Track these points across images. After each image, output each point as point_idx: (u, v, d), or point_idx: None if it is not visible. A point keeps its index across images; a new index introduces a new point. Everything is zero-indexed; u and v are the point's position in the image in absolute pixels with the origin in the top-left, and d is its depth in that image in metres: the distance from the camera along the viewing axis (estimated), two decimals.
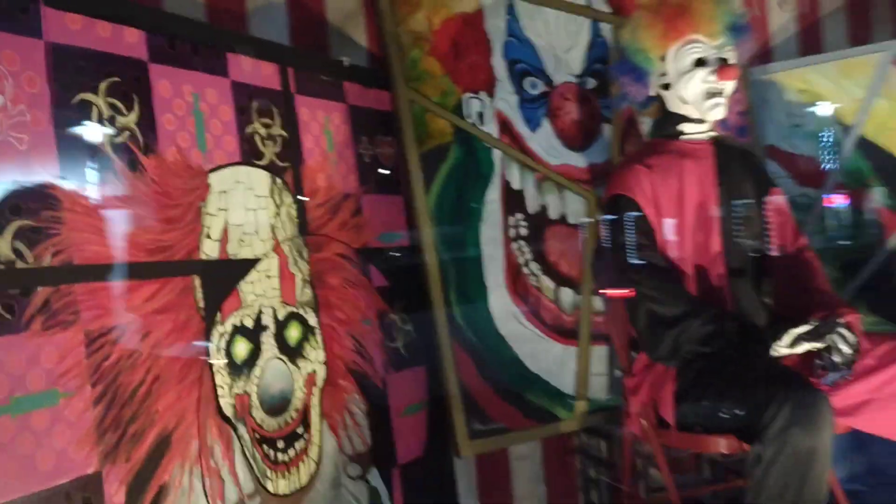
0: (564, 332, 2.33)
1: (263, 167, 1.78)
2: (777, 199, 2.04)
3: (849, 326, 1.71)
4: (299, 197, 1.86)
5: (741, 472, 2.34)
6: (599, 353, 2.38)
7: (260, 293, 1.73)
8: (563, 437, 2.44)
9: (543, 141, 2.38)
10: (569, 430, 2.33)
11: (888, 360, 1.75)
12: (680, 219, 1.90)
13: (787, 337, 1.67)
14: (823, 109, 2.60)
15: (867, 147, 2.51)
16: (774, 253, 2.02)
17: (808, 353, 1.73)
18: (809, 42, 2.89)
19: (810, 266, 1.99)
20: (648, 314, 1.82)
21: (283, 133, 1.85)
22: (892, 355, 1.75)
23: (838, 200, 2.57)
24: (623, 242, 1.89)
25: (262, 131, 1.79)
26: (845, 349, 1.69)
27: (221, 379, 1.60)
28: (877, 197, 2.48)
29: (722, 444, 1.75)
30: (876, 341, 1.78)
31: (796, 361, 1.80)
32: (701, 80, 1.90)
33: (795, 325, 1.67)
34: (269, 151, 1.80)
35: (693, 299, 1.83)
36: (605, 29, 2.53)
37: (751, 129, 2.63)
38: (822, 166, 2.59)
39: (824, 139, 2.59)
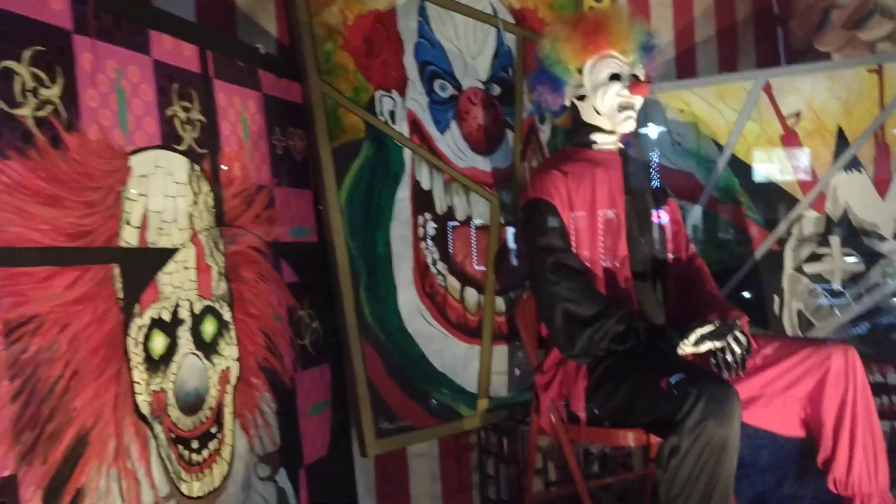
0: (468, 331, 2.37)
1: (182, 152, 1.69)
2: (673, 210, 2.19)
3: (741, 328, 1.87)
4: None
5: (629, 465, 2.50)
6: (501, 351, 2.44)
7: (177, 285, 1.64)
8: (460, 435, 2.48)
9: (451, 143, 2.41)
10: (471, 427, 2.38)
11: (773, 359, 1.92)
12: (592, 223, 1.99)
13: (693, 336, 1.80)
14: (700, 129, 2.81)
15: (738, 165, 2.73)
16: (669, 259, 2.16)
17: (701, 353, 1.87)
18: (686, 66, 3.11)
19: (701, 272, 2.15)
20: (565, 313, 1.89)
21: (202, 118, 1.77)
22: (777, 355, 1.92)
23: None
24: (540, 245, 1.95)
25: (182, 115, 1.70)
26: (738, 350, 1.84)
27: (139, 375, 1.50)
28: (746, 211, 2.71)
29: (630, 438, 1.85)
30: (762, 342, 1.95)
31: (691, 360, 1.93)
32: (615, 94, 2.00)
33: (701, 325, 1.80)
34: (189, 136, 1.72)
35: (606, 300, 1.92)
36: (510, 39, 2.60)
37: (636, 144, 2.80)
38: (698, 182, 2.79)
39: (700, 156, 2.80)
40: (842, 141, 2.58)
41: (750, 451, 2.57)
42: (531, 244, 1.99)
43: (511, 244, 2.47)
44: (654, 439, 1.82)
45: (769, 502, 2.63)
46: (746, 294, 2.67)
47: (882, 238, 2.49)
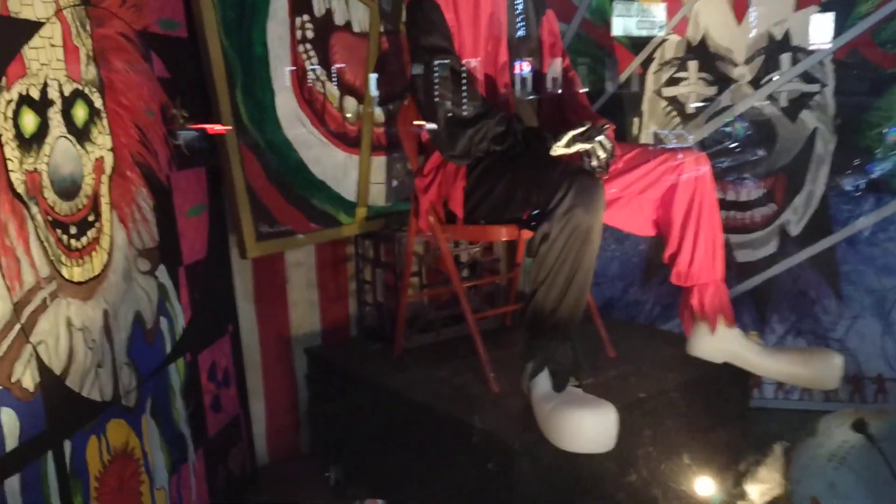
0: (348, 141, 2.38)
1: None
2: (550, 20, 2.24)
3: (607, 135, 1.99)
4: None
5: (496, 270, 2.66)
6: (379, 162, 2.48)
7: (45, 62, 1.53)
8: (337, 244, 2.54)
9: None
10: (350, 234, 2.43)
11: (632, 164, 2.07)
12: (475, 27, 2.01)
13: (566, 137, 1.90)
14: None
15: None
16: (545, 69, 2.23)
17: (571, 155, 1.98)
18: None
19: (574, 84, 2.23)
20: (447, 114, 1.93)
21: None
22: (636, 161, 2.06)
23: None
24: (424, 45, 1.95)
25: None
26: (602, 154, 1.97)
27: (10, 151, 1.42)
28: (615, 33, 2.80)
29: (503, 233, 1.97)
30: (624, 149, 2.10)
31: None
32: None
33: (573, 128, 1.89)
34: None
35: (487, 102, 1.97)
36: None
37: None
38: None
39: None
40: None
41: (601, 261, 2.81)
42: (414, 44, 1.98)
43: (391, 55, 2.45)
44: (525, 235, 1.95)
45: (617, 306, 2.92)
46: (611, 114, 2.81)
47: (734, 64, 2.67)
